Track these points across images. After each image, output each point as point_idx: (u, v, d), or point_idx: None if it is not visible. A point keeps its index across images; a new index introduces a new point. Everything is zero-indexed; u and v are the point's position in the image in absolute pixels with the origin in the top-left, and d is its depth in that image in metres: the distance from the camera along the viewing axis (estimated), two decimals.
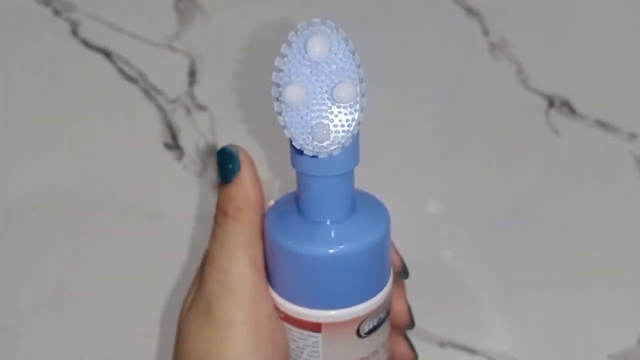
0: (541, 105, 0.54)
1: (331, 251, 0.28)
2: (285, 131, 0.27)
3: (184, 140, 0.53)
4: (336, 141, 0.26)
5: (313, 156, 0.27)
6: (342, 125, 0.26)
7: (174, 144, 0.53)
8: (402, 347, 0.37)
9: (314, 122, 0.26)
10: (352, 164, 0.28)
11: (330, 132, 0.26)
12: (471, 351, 0.46)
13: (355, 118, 0.26)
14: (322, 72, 0.26)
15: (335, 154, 0.27)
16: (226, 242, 0.31)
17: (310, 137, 0.26)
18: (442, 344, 0.46)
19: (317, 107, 0.26)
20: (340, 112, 0.26)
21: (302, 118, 0.26)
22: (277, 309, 0.31)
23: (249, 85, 0.55)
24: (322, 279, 0.29)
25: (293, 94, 0.26)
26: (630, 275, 0.48)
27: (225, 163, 0.31)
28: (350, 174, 0.29)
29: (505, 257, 0.49)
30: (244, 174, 0.31)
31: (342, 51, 0.26)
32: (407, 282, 0.37)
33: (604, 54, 0.56)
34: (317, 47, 0.26)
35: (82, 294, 0.47)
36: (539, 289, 0.47)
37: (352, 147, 0.28)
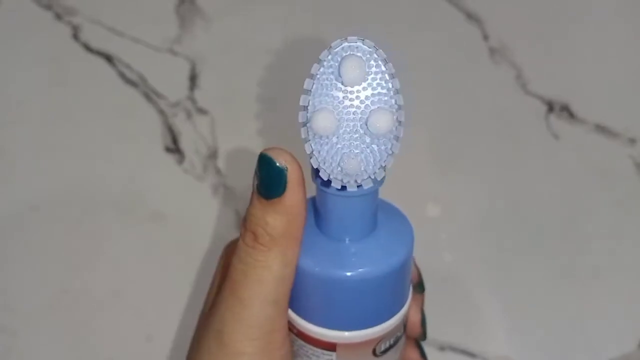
0: (541, 110, 0.54)
1: (349, 274, 0.26)
2: (312, 160, 0.24)
3: (185, 144, 0.53)
4: (367, 174, 0.24)
5: (341, 188, 0.24)
6: (375, 157, 0.24)
7: (174, 148, 0.53)
8: (414, 357, 0.36)
9: (343, 153, 0.24)
10: (378, 186, 0.26)
11: (362, 164, 0.24)
12: (471, 355, 0.46)
13: (389, 148, 0.24)
14: (357, 98, 0.23)
15: (365, 187, 0.24)
16: (251, 272, 0.27)
17: (340, 169, 0.24)
18: (442, 348, 0.46)
19: (349, 135, 0.23)
20: (373, 143, 0.24)
21: (331, 147, 0.24)
22: (290, 324, 0.30)
23: (250, 89, 0.55)
24: (339, 301, 0.27)
25: (324, 121, 0.23)
26: (630, 280, 0.48)
27: (270, 176, 0.26)
28: (375, 193, 0.27)
29: (505, 261, 0.49)
30: (292, 200, 0.26)
31: (380, 75, 0.24)
32: None
33: (603, 59, 0.56)
34: (353, 70, 0.23)
35: (82, 296, 0.47)
36: (538, 293, 0.47)
37: None
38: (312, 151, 0.24)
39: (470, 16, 0.57)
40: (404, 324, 0.32)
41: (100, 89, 0.55)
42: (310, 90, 0.24)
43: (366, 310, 0.28)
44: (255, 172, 0.27)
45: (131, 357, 0.46)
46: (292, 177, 0.26)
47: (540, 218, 0.50)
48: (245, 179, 0.51)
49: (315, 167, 0.24)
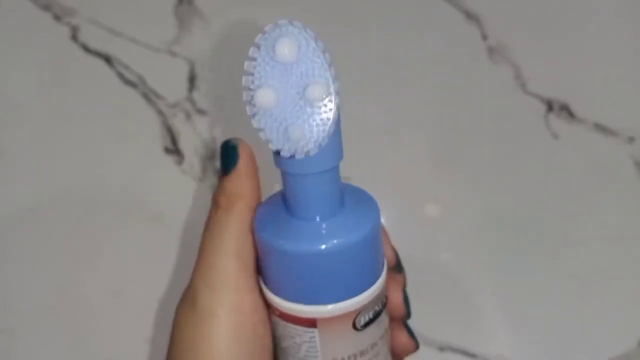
0: (540, 109, 0.54)
1: (322, 247, 0.28)
2: (260, 134, 0.27)
3: (184, 145, 0.53)
4: (312, 141, 0.26)
5: (291, 156, 0.27)
6: (317, 125, 0.26)
7: (173, 149, 0.53)
8: (403, 339, 0.37)
9: (288, 123, 0.26)
10: (334, 161, 0.28)
11: (305, 132, 0.26)
12: (471, 355, 0.46)
13: (330, 117, 0.26)
14: (293, 74, 0.26)
15: (311, 153, 0.26)
16: (214, 233, 0.31)
17: (286, 139, 0.26)
18: (442, 348, 0.46)
19: (290, 108, 0.26)
20: (314, 112, 0.26)
21: (275, 120, 0.26)
22: (272, 306, 0.32)
23: None
24: (314, 275, 0.29)
25: (265, 97, 0.26)
26: (630, 278, 0.48)
27: (226, 155, 0.32)
28: (333, 170, 0.28)
29: (505, 261, 0.49)
30: (241, 166, 0.32)
31: (311, 51, 0.26)
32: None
33: (602, 58, 0.56)
34: (286, 48, 0.26)
35: (82, 297, 0.48)
36: (538, 292, 0.47)
37: (333, 144, 0.27)
38: (260, 125, 0.26)
39: (469, 16, 0.57)
40: (383, 301, 0.32)
41: (99, 89, 0.55)
42: (251, 71, 0.26)
43: (341, 282, 0.29)
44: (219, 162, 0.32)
45: (130, 358, 0.46)
46: (243, 151, 0.32)
47: (539, 217, 0.50)
48: None
49: (264, 139, 0.27)
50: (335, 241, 0.28)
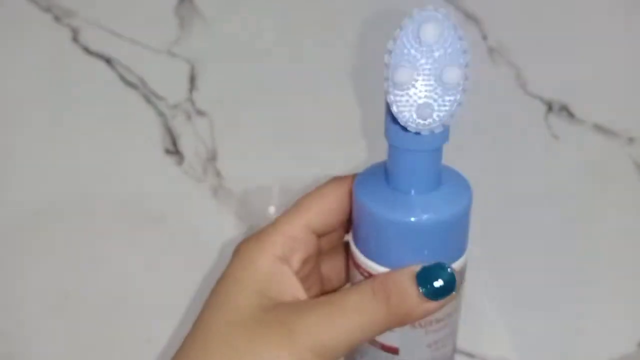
0: (540, 110, 0.54)
1: (412, 219, 0.30)
2: (392, 108, 0.28)
3: (184, 146, 0.53)
4: (438, 120, 0.28)
5: (416, 133, 0.28)
6: (445, 105, 0.28)
7: (174, 150, 0.53)
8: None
9: (419, 102, 0.28)
10: (443, 141, 0.30)
11: (434, 111, 0.28)
12: (470, 355, 0.46)
13: (457, 99, 0.28)
14: (432, 56, 0.28)
15: (436, 131, 0.29)
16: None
17: (415, 116, 0.28)
18: None
19: (424, 87, 0.28)
20: (444, 93, 0.28)
21: (409, 97, 0.28)
22: (360, 266, 0.33)
23: (249, 90, 0.55)
24: (406, 244, 0.31)
25: (403, 75, 0.27)
26: (630, 280, 0.48)
27: (446, 281, 0.31)
28: (439, 151, 0.31)
29: (505, 262, 0.49)
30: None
31: (451, 37, 0.28)
32: None
33: (602, 59, 0.56)
34: (430, 32, 0.27)
35: (83, 299, 0.48)
36: (538, 294, 0.47)
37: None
38: (392, 101, 0.28)
39: (469, 16, 0.57)
40: (460, 280, 0.34)
41: (99, 91, 0.55)
42: (392, 50, 0.28)
43: (429, 254, 0.31)
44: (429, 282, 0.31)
45: (132, 359, 0.46)
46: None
47: (539, 218, 0.50)
48: (245, 181, 0.52)
49: (394, 113, 0.28)
50: (425, 216, 0.30)
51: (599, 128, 0.53)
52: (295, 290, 0.33)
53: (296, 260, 0.34)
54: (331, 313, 0.30)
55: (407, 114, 0.28)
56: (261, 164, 0.52)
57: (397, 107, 0.28)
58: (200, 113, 0.54)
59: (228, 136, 0.53)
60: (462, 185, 0.33)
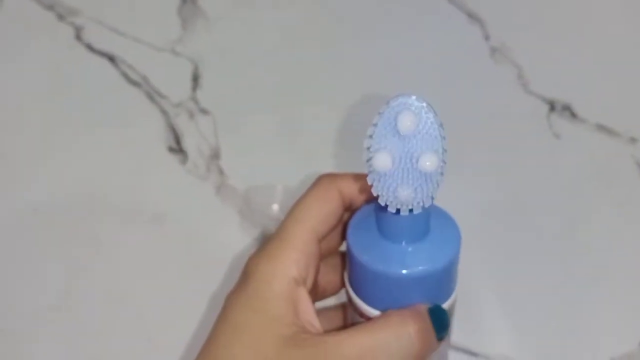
0: (542, 110, 0.54)
1: (404, 272, 0.31)
2: (372, 190, 0.29)
3: (188, 144, 0.53)
4: (417, 202, 0.29)
5: (396, 212, 0.30)
6: (424, 190, 0.29)
7: (177, 148, 0.53)
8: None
9: (398, 185, 0.29)
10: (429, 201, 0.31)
11: (412, 195, 0.29)
12: (472, 354, 0.46)
13: (436, 183, 0.29)
14: (409, 142, 0.29)
15: (415, 212, 0.30)
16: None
17: (394, 198, 0.29)
18: None
19: (402, 172, 0.29)
20: (422, 178, 0.29)
21: (387, 180, 0.29)
22: (355, 307, 0.33)
23: (252, 89, 0.55)
24: (397, 293, 0.32)
25: (381, 160, 0.28)
26: (631, 279, 0.48)
27: (447, 322, 0.33)
28: (427, 209, 0.31)
29: (506, 261, 0.49)
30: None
31: (429, 124, 0.29)
32: None
33: (604, 58, 0.56)
34: (406, 122, 0.28)
35: (85, 298, 0.48)
36: (539, 293, 0.48)
37: None
38: (373, 183, 0.29)
39: (472, 16, 0.58)
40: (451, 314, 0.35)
41: (103, 89, 0.56)
42: (372, 135, 0.29)
43: (419, 300, 0.32)
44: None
45: (132, 359, 0.46)
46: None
47: (541, 218, 0.50)
48: (248, 179, 0.52)
49: (374, 193, 0.29)
50: (419, 268, 0.31)
51: (601, 128, 0.53)
52: (310, 316, 0.32)
53: (310, 278, 0.33)
54: (362, 357, 0.30)
55: (385, 197, 0.29)
56: (264, 162, 0.52)
57: (376, 190, 0.29)
58: (204, 111, 0.54)
59: (231, 134, 0.53)
60: (450, 228, 0.34)
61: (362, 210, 0.34)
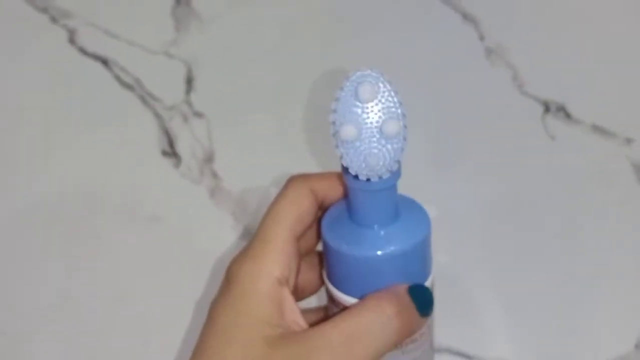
0: (537, 111, 0.54)
1: (379, 253, 0.33)
2: (342, 161, 0.31)
3: (181, 147, 0.53)
4: (385, 167, 0.31)
5: (367, 180, 0.31)
6: (390, 154, 0.31)
7: (171, 151, 0.53)
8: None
9: (366, 153, 0.31)
10: (396, 179, 0.33)
11: (380, 160, 0.31)
12: (467, 357, 0.46)
13: (400, 147, 0.31)
14: (371, 112, 0.31)
15: (384, 177, 0.31)
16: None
17: (364, 165, 0.31)
18: (439, 350, 0.46)
19: (368, 140, 0.31)
20: (387, 143, 0.31)
21: (356, 150, 0.31)
22: (337, 301, 0.34)
23: (246, 92, 0.55)
24: (372, 275, 0.33)
25: (348, 132, 0.31)
26: (628, 280, 0.48)
27: (431, 299, 0.34)
28: (394, 187, 0.33)
29: (502, 263, 0.49)
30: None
31: (387, 92, 0.31)
32: None
33: (599, 59, 0.56)
34: (367, 91, 0.31)
35: (81, 300, 0.48)
36: (536, 295, 0.47)
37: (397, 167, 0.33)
38: (342, 154, 0.31)
39: (467, 17, 0.57)
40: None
41: (96, 92, 0.55)
42: (336, 109, 0.31)
43: (395, 281, 0.33)
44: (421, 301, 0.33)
45: (131, 359, 0.46)
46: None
47: (536, 218, 0.50)
48: (242, 182, 0.52)
49: (345, 166, 0.31)
50: (392, 248, 0.33)
51: (597, 129, 0.53)
52: (295, 315, 0.32)
53: (292, 278, 0.33)
54: (348, 344, 0.30)
55: (355, 166, 0.31)
56: (258, 165, 0.52)
57: (346, 160, 0.31)
58: (197, 114, 0.54)
59: (225, 137, 0.53)
60: (419, 212, 0.35)
61: (334, 207, 0.35)
